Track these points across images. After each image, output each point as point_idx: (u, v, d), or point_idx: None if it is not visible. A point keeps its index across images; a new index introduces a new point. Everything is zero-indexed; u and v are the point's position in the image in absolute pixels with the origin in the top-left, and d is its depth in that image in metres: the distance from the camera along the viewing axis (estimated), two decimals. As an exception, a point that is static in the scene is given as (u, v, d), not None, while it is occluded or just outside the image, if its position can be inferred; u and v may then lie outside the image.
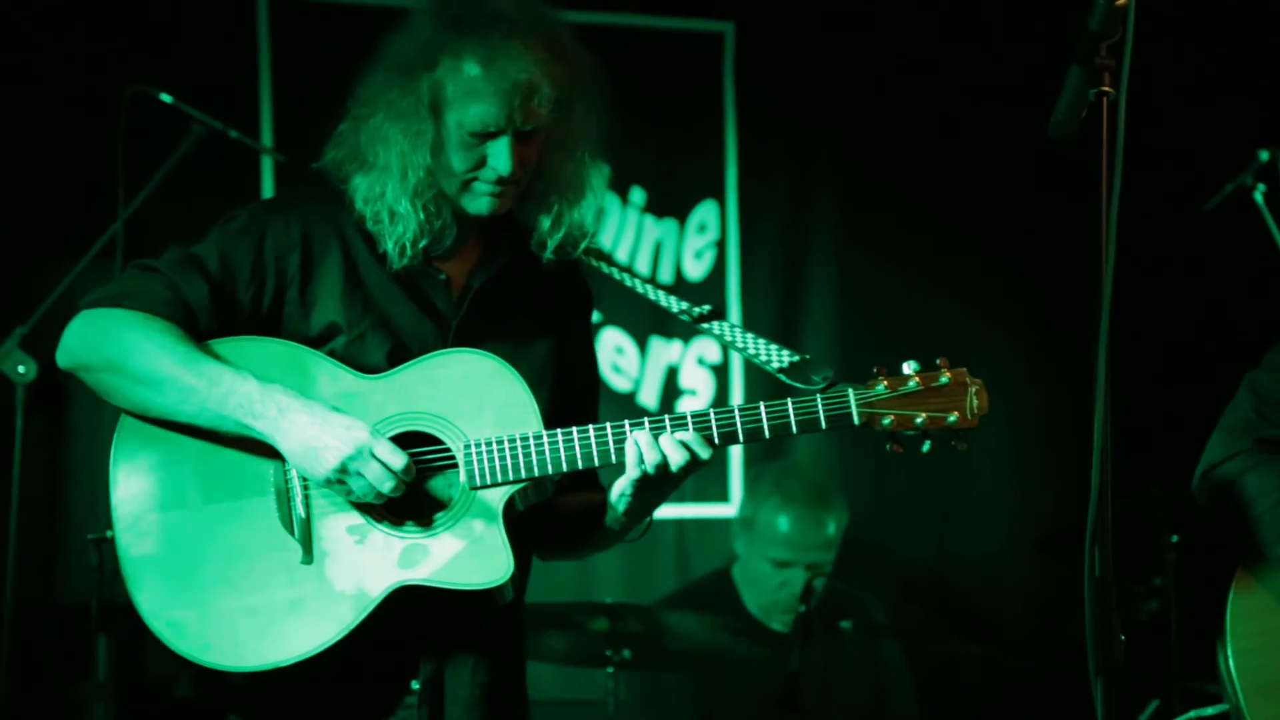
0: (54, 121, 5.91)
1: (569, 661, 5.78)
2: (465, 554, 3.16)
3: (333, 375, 3.24)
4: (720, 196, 6.99)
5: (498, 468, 3.19)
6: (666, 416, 3.23)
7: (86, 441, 5.40)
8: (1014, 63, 6.53)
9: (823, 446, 6.92)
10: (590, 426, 3.22)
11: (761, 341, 3.40)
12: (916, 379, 3.25)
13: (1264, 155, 5.79)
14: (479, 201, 3.31)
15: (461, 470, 3.20)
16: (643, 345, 6.78)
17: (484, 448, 3.19)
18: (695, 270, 6.94)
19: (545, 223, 3.39)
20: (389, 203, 3.26)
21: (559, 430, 3.21)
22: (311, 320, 3.29)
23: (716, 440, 3.22)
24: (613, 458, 3.23)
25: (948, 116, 7.04)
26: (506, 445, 3.20)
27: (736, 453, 6.91)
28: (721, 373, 6.94)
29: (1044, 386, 7.09)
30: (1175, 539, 5.48)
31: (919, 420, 3.24)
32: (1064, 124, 2.79)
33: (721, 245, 6.97)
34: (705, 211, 6.94)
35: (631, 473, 3.22)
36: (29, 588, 5.34)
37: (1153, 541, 5.54)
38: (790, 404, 3.22)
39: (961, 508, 7.19)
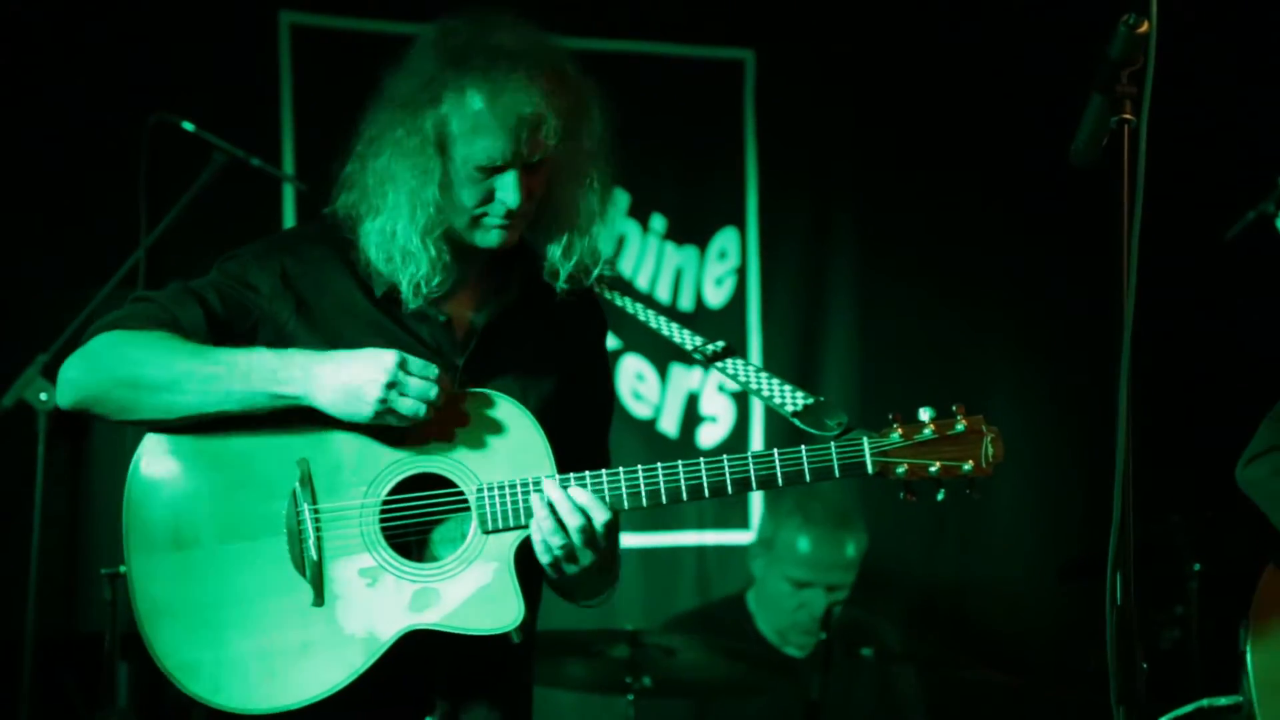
0: (76, 149, 5.93)
1: (589, 689, 5.77)
2: (476, 598, 3.17)
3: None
4: (741, 223, 6.99)
5: (509, 512, 3.19)
6: (658, 465, 3.23)
7: (108, 470, 5.38)
8: (1035, 89, 6.53)
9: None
10: (603, 472, 3.22)
11: (775, 381, 3.38)
12: (931, 427, 3.25)
13: (1286, 182, 5.78)
14: (489, 235, 3.31)
15: (474, 514, 3.19)
16: (663, 372, 6.77)
17: (496, 491, 3.19)
18: (716, 297, 6.94)
19: (556, 252, 3.38)
20: (400, 243, 3.25)
21: (571, 476, 3.20)
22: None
23: (730, 489, 3.21)
24: (625, 503, 3.22)
25: (968, 144, 7.04)
26: (519, 490, 3.19)
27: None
28: (742, 400, 6.93)
29: (1065, 413, 7.08)
30: (1197, 567, 5.46)
31: (933, 469, 3.24)
32: (1085, 151, 2.78)
33: (742, 272, 6.97)
34: (726, 238, 6.94)
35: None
36: (50, 615, 5.34)
37: (1175, 569, 5.52)
38: (804, 451, 3.23)
39: (982, 534, 7.18)
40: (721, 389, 6.91)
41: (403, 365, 3.11)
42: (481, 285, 3.42)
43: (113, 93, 5.96)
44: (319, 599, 3.15)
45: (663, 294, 6.82)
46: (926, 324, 7.10)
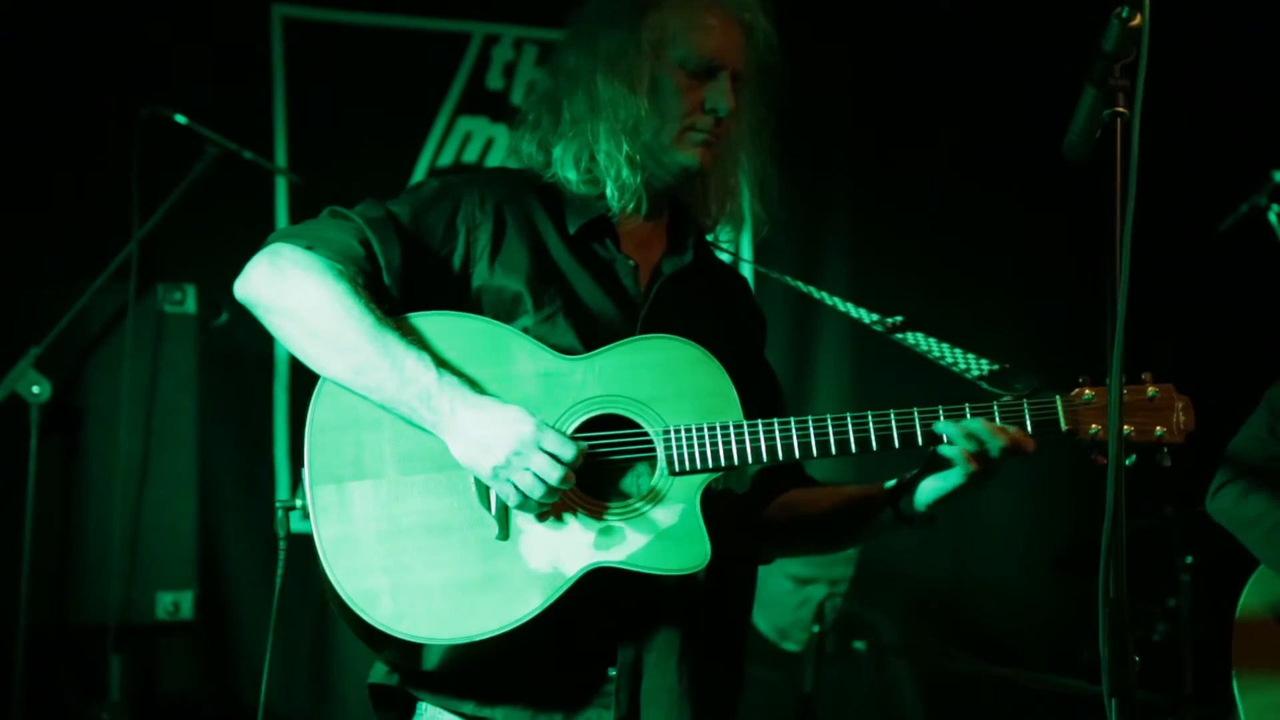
0: (69, 143, 5.92)
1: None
2: (663, 539, 3.13)
3: (532, 354, 3.20)
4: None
5: (697, 454, 3.17)
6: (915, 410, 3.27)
7: (100, 462, 5.40)
8: (1030, 83, 6.53)
9: (836, 464, 6.90)
10: (793, 419, 3.22)
11: (958, 351, 3.45)
12: (1128, 390, 3.29)
13: (1278, 176, 5.79)
14: (690, 153, 3.36)
15: (660, 455, 3.17)
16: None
17: (684, 434, 3.18)
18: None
19: (726, 212, 3.57)
20: (605, 149, 3.31)
21: (759, 421, 3.20)
22: (499, 295, 3.27)
23: (920, 440, 3.26)
24: (814, 450, 3.22)
25: (962, 137, 7.05)
26: (706, 433, 3.18)
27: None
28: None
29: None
30: (1189, 560, 5.47)
31: (1126, 431, 3.27)
32: (1078, 144, 2.79)
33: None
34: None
35: (966, 464, 3.24)
36: (42, 608, 5.33)
37: (1167, 562, 5.53)
38: (996, 407, 3.28)
39: (976, 527, 7.18)
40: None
41: (541, 439, 3.05)
42: (665, 236, 3.48)
43: (106, 86, 5.95)
44: (504, 533, 3.10)
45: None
46: (919, 313, 7.09)
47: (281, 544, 3.26)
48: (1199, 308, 6.96)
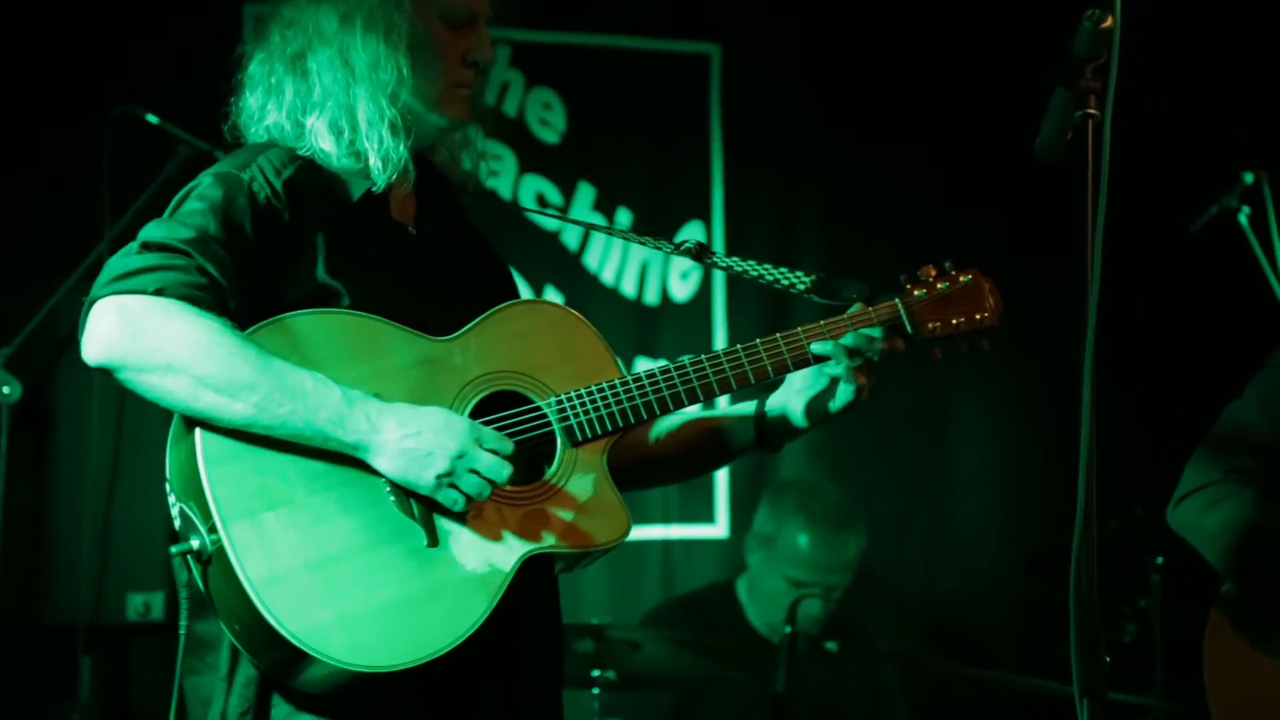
0: (40, 142, 5.91)
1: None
2: (584, 514, 3.07)
3: (404, 341, 3.06)
4: (706, 217, 7.00)
5: (595, 420, 3.12)
6: (779, 335, 3.26)
7: (71, 463, 5.39)
8: (1000, 83, 6.54)
9: (814, 465, 6.91)
10: (671, 365, 3.20)
11: (768, 267, 3.45)
12: (947, 281, 3.35)
13: (1249, 177, 5.80)
14: (454, 110, 3.23)
15: (558, 428, 3.11)
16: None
17: (576, 401, 3.13)
18: (681, 291, 6.94)
19: (466, 153, 3.37)
20: (367, 116, 3.13)
21: (641, 374, 3.17)
22: (316, 284, 3.07)
23: (792, 366, 3.24)
24: (701, 394, 3.20)
25: (933, 137, 7.06)
26: (598, 396, 3.14)
27: (723, 475, 6.90)
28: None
29: (1030, 408, 7.09)
30: (1160, 560, 5.48)
31: (957, 321, 3.33)
32: (1049, 146, 2.80)
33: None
34: (691, 232, 6.94)
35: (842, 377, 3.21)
36: (12, 608, 5.32)
37: (1137, 563, 5.54)
38: (849, 317, 3.27)
39: (948, 529, 7.20)
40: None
41: (480, 437, 2.94)
42: (425, 194, 3.33)
43: (76, 85, 5.94)
44: (432, 539, 2.95)
45: (628, 288, 6.82)
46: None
47: (184, 593, 2.94)
48: (1170, 309, 6.98)
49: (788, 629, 5.49)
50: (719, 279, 6.98)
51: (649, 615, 6.20)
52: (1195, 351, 6.80)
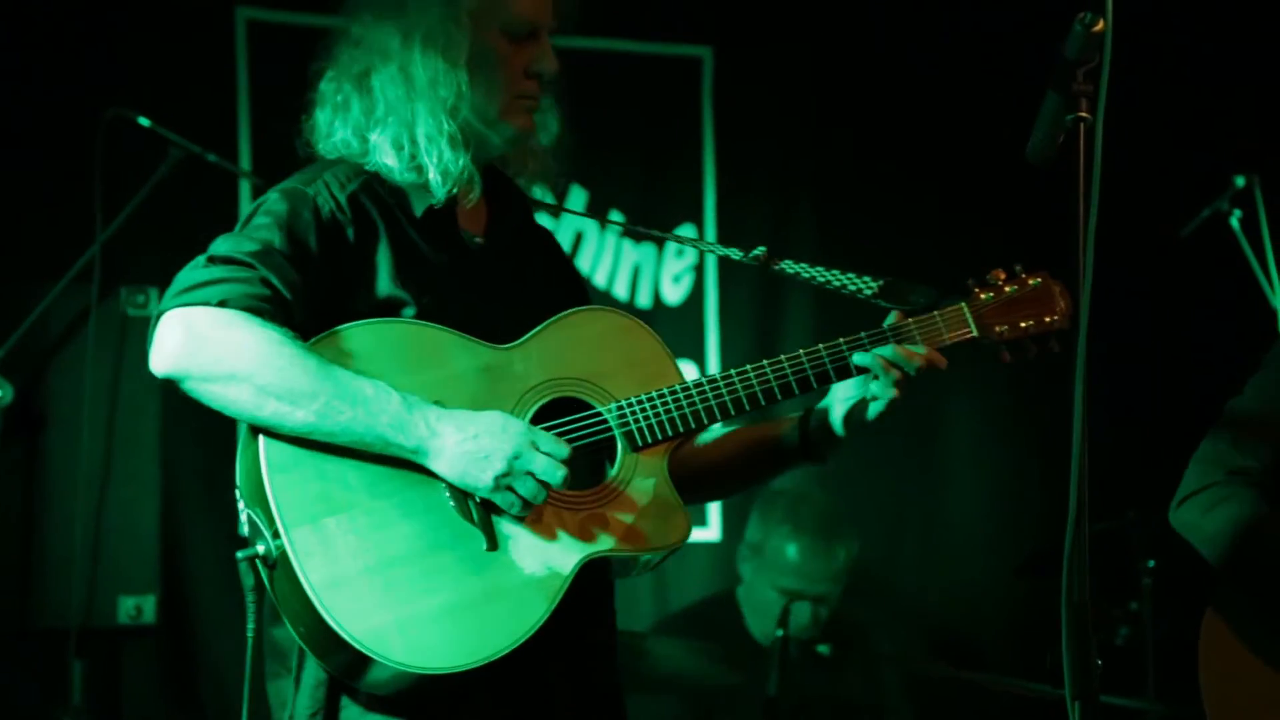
0: (32, 145, 5.89)
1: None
2: (644, 518, 3.12)
3: (465, 349, 3.13)
4: (699, 220, 6.99)
5: (655, 425, 3.18)
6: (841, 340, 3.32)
7: (62, 465, 5.38)
8: (994, 86, 6.55)
9: (805, 471, 6.89)
10: (734, 371, 3.25)
11: (835, 272, 3.50)
12: (1016, 285, 3.36)
13: (1240, 181, 5.82)
14: (519, 121, 3.30)
15: (618, 433, 3.16)
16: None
17: (637, 407, 3.18)
18: (673, 294, 6.94)
19: (538, 163, 3.46)
20: (425, 131, 3.19)
21: (704, 379, 3.22)
22: (380, 296, 3.14)
23: (854, 370, 3.30)
24: (761, 400, 3.24)
25: (926, 140, 7.06)
26: (659, 402, 3.19)
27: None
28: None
29: (1023, 410, 7.10)
30: (1151, 564, 5.48)
31: (1025, 324, 3.34)
32: (1041, 149, 2.80)
33: (700, 269, 6.98)
34: (683, 234, 6.93)
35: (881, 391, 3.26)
36: (3, 612, 5.31)
37: (1129, 566, 5.54)
38: (914, 325, 3.32)
39: (942, 532, 7.20)
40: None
41: (535, 440, 3.00)
42: (497, 204, 3.40)
43: (69, 88, 5.92)
44: (492, 543, 3.00)
45: (620, 291, 6.82)
46: (884, 320, 7.10)
47: (251, 597, 3.01)
48: (1162, 312, 6.99)
49: (779, 632, 5.49)
50: (711, 282, 6.97)
51: (654, 627, 6.20)
52: (1187, 355, 6.81)
